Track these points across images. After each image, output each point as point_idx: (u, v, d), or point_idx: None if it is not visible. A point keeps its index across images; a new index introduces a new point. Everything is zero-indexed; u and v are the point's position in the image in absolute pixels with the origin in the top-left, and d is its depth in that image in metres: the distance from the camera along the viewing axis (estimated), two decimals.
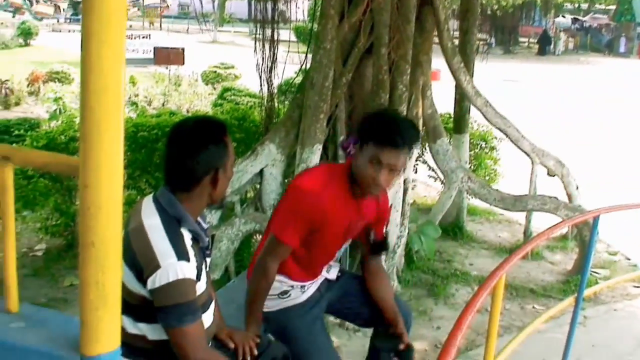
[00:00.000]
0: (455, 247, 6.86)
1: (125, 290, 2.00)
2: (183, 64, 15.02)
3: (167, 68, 16.46)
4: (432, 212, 6.43)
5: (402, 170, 2.86)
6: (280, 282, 2.90)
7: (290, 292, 2.94)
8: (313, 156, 5.02)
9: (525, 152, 6.25)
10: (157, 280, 2.01)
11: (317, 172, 2.92)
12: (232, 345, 2.48)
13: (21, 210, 6.24)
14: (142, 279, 2.05)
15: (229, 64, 18.86)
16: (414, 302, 5.33)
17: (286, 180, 5.20)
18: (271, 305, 2.92)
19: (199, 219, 2.28)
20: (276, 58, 5.96)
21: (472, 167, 7.63)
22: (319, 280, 3.06)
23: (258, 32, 5.85)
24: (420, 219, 6.46)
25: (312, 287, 3.01)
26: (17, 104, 13.90)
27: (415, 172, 7.24)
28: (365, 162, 2.64)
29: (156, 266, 2.01)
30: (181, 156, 2.15)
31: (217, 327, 2.48)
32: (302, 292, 2.96)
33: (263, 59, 5.90)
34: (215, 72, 17.99)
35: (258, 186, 5.36)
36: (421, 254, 6.05)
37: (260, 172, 5.20)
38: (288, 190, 2.88)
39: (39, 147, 6.39)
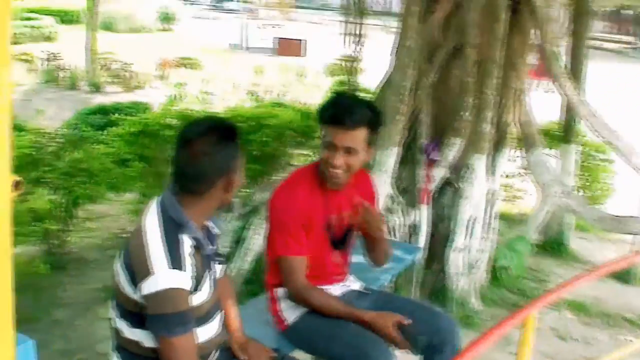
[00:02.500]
0: (553, 266, 6.42)
1: (122, 295, 2.07)
2: (302, 55, 15.21)
3: (290, 58, 16.77)
4: (526, 227, 6.08)
5: (368, 154, 2.78)
6: None
7: None
8: (388, 159, 4.88)
9: (636, 170, 5.74)
10: (147, 287, 1.97)
11: (287, 180, 2.90)
12: (243, 358, 2.43)
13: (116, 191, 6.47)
14: (135, 284, 2.02)
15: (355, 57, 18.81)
16: (491, 323, 5.05)
17: None
18: (289, 315, 2.88)
19: (209, 223, 2.26)
20: None
21: (584, 180, 7.14)
22: (340, 287, 3.01)
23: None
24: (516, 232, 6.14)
25: (333, 291, 2.95)
26: (138, 87, 14.70)
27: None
28: (322, 149, 2.68)
29: (148, 272, 1.97)
30: (194, 158, 2.08)
31: (234, 337, 2.46)
32: None
33: None
34: (338, 64, 18.05)
35: None
36: (509, 272, 5.73)
37: None
38: (268, 210, 2.85)
39: (133, 133, 6.68)
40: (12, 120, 1.19)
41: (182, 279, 1.99)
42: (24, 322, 2.50)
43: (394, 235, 4.94)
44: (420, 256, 4.50)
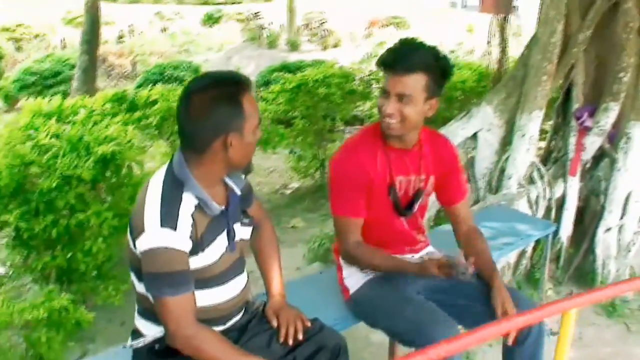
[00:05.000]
0: None
1: (129, 249, 2.10)
2: (509, 13, 14.38)
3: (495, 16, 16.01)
4: None
5: (430, 107, 2.54)
6: None
7: None
8: (530, 124, 4.50)
9: None
10: (140, 244, 1.96)
11: (348, 140, 2.76)
12: (274, 323, 2.31)
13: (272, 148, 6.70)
14: (134, 240, 2.03)
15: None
16: (638, 315, 4.53)
17: (506, 149, 4.76)
18: (354, 283, 2.78)
19: (231, 183, 2.18)
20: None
21: None
22: (411, 258, 2.83)
23: None
24: None
25: None
26: (336, 46, 15.02)
27: None
28: (379, 97, 2.58)
29: (142, 229, 1.95)
30: (189, 115, 2.00)
31: (271, 301, 2.38)
32: None
33: None
34: None
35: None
36: None
37: (475, 137, 4.85)
38: (329, 171, 2.74)
39: (290, 90, 6.86)
40: None
41: (174, 239, 1.94)
42: None
43: (533, 208, 4.59)
44: (551, 234, 4.12)
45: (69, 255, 3.90)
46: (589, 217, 4.73)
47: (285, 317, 2.31)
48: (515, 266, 4.64)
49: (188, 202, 2.01)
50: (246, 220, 2.28)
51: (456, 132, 4.82)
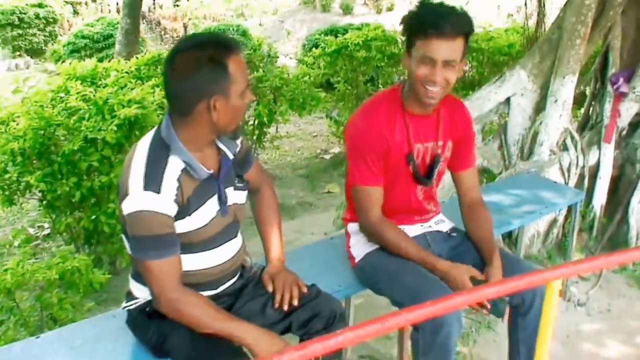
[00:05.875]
0: None
1: (120, 212, 2.09)
2: None
3: None
4: None
5: (461, 69, 2.45)
6: None
7: None
8: (563, 89, 4.37)
9: None
10: (124, 207, 1.94)
11: (364, 105, 2.64)
12: (270, 289, 2.27)
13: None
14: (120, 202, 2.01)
15: None
16: None
17: (539, 115, 4.64)
18: (359, 252, 2.75)
19: (222, 146, 2.15)
20: None
21: None
22: (421, 227, 2.78)
23: None
24: None
25: (409, 231, 2.72)
26: (390, 9, 14.82)
27: None
28: (416, 65, 2.37)
29: (125, 192, 1.94)
30: (172, 77, 1.96)
31: (269, 266, 2.36)
32: None
33: None
34: None
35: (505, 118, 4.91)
36: None
37: (507, 102, 4.75)
38: (345, 138, 2.66)
39: (329, 54, 6.82)
40: None
41: (157, 202, 1.92)
42: None
43: (565, 176, 4.48)
44: (580, 202, 4.01)
45: (92, 217, 4.02)
46: (623, 186, 4.60)
47: (281, 283, 2.27)
48: (546, 235, 4.55)
49: (174, 166, 1.98)
50: (240, 185, 2.23)
51: (488, 96, 4.73)
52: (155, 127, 2.07)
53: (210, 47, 1.95)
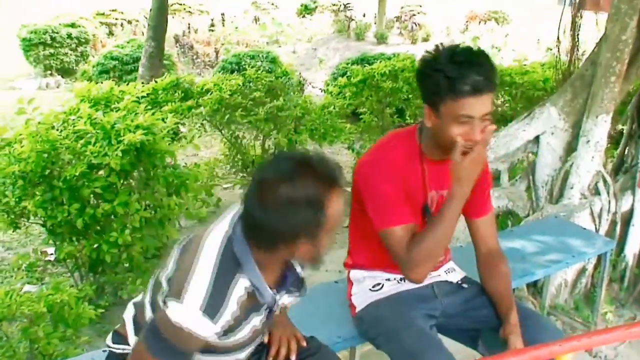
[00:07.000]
0: None
1: (156, 281, 1.88)
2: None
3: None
4: None
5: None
6: (372, 277, 2.56)
7: (383, 284, 2.55)
8: (596, 129, 4.13)
9: None
10: (171, 308, 1.71)
11: (377, 144, 2.46)
12: (265, 339, 2.11)
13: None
14: (164, 290, 1.80)
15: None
16: None
17: (570, 156, 4.40)
18: (360, 302, 2.57)
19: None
20: None
21: None
22: (429, 277, 2.51)
23: None
24: None
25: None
26: (426, 40, 14.68)
27: None
28: (450, 124, 2.16)
29: (178, 296, 1.70)
30: (253, 205, 1.72)
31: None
32: (399, 284, 2.52)
33: None
34: None
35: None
36: None
37: (537, 141, 4.52)
38: (356, 180, 2.43)
39: (355, 83, 6.69)
40: None
41: (207, 329, 1.71)
42: None
43: (596, 222, 4.22)
44: (610, 251, 3.75)
45: (95, 245, 3.88)
46: None
47: (278, 334, 2.11)
48: (574, 284, 4.29)
49: (240, 288, 1.77)
50: (294, 289, 1.98)
51: (516, 134, 4.52)
52: (227, 225, 1.82)
53: (308, 181, 1.69)
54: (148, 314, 1.90)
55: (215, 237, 1.79)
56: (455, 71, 2.10)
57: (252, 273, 1.77)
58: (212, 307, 1.70)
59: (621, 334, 1.76)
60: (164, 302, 1.74)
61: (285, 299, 1.96)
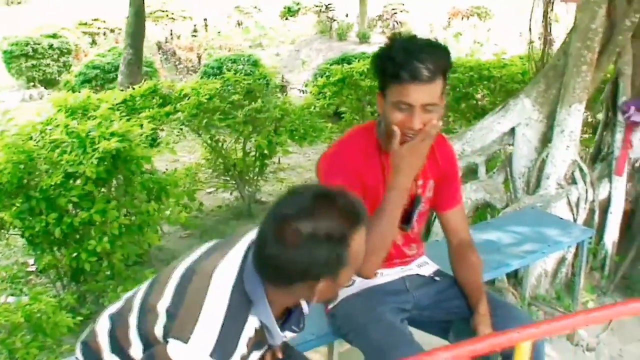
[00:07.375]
0: None
1: (154, 312, 1.74)
2: None
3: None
4: None
5: (442, 107, 2.23)
6: None
7: (355, 279, 2.54)
8: (570, 119, 4.17)
9: None
10: (173, 347, 1.63)
11: (338, 141, 2.45)
12: None
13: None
14: (165, 328, 1.69)
15: None
16: None
17: (546, 146, 4.42)
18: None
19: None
20: None
21: None
22: (401, 271, 2.57)
23: None
24: None
25: (387, 275, 2.54)
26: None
27: None
28: (391, 110, 2.17)
29: (184, 334, 1.62)
30: (271, 241, 1.62)
31: None
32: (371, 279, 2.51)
33: None
34: None
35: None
36: None
37: (512, 133, 4.54)
38: (316, 172, 2.43)
39: (332, 82, 6.70)
40: None
41: None
42: None
43: (574, 211, 4.24)
44: (588, 239, 3.79)
45: (74, 254, 3.87)
46: (637, 221, 4.35)
47: None
48: (554, 274, 4.31)
49: (250, 328, 1.71)
50: (296, 328, 1.91)
51: (492, 126, 4.54)
52: (238, 262, 1.73)
53: (330, 216, 1.61)
54: (133, 337, 1.82)
55: (225, 272, 1.70)
56: (401, 58, 2.10)
57: (264, 314, 1.71)
58: (220, 352, 1.62)
59: (582, 319, 1.77)
60: (165, 338, 1.67)
61: (287, 335, 1.91)
